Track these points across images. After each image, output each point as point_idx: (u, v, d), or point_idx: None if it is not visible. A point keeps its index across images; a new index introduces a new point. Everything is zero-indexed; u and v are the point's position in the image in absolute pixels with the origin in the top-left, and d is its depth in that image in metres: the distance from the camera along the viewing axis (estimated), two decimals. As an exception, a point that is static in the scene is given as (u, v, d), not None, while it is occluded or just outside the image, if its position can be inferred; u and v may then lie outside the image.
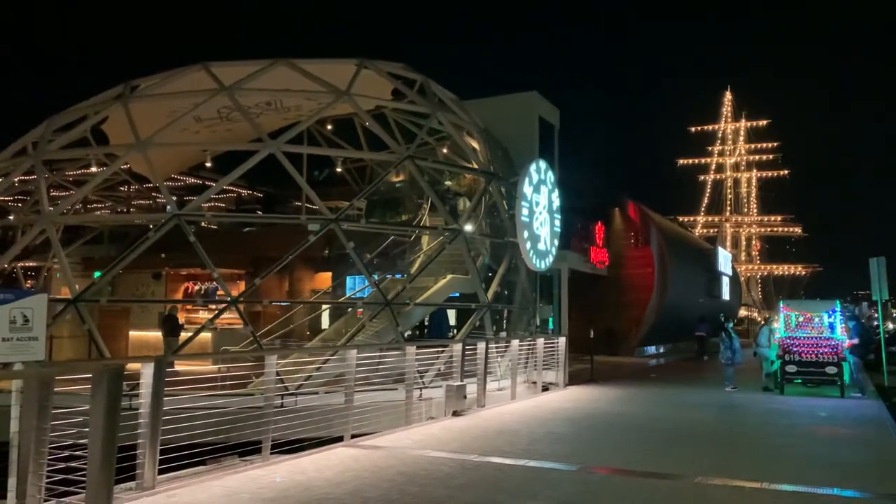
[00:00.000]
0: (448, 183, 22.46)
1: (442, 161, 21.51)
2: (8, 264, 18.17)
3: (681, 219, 79.03)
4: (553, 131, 23.83)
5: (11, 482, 5.60)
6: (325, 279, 25.32)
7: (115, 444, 5.77)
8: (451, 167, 21.27)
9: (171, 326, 19.94)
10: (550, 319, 24.76)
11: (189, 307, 24.78)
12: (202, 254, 14.36)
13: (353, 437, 9.97)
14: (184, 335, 18.85)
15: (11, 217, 21.11)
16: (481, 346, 13.85)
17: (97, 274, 21.28)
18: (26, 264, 24.95)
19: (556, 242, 20.54)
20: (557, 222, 20.67)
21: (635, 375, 23.15)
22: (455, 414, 12.52)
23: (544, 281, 22.95)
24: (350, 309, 20.40)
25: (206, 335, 19.48)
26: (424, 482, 7.48)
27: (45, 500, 5.95)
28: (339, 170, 26.09)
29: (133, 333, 24.29)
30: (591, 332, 22.96)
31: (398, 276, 20.46)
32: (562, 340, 18.35)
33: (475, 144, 20.26)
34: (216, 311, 16.00)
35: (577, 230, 28.78)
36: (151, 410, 6.93)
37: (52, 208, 16.17)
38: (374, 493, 6.97)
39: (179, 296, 26.38)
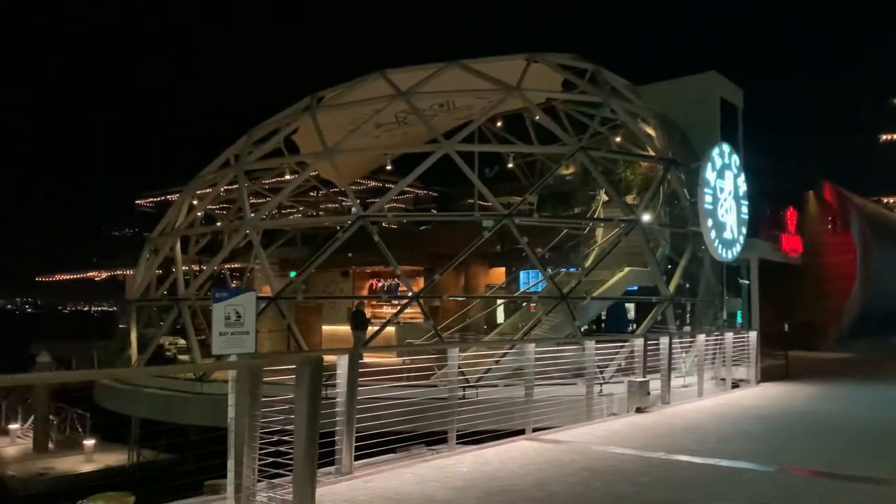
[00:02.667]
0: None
1: (616, 150, 21.00)
2: (217, 266, 20.18)
3: (886, 200, 71.23)
4: (736, 112, 22.43)
5: (230, 463, 6.19)
6: (499, 274, 25.63)
7: (317, 430, 6.20)
8: (625, 156, 20.72)
9: (359, 321, 21.04)
10: (739, 312, 23.32)
11: (374, 302, 26.11)
12: (386, 252, 15.09)
13: (535, 430, 10.01)
14: (370, 329, 19.89)
15: (219, 224, 23.35)
16: (664, 340, 13.36)
17: (293, 273, 22.99)
18: (232, 266, 27.53)
19: (744, 230, 19.31)
20: (745, 209, 19.43)
21: (836, 372, 21.24)
22: (638, 410, 12.19)
23: (731, 272, 21.66)
24: (524, 303, 20.50)
25: (390, 329, 20.42)
26: (609, 478, 7.37)
27: (258, 481, 6.52)
28: (510, 165, 26.28)
29: (325, 328, 25.93)
30: (786, 326, 21.38)
31: (573, 270, 20.27)
32: (752, 335, 17.25)
33: (651, 131, 19.58)
34: (399, 306, 16.74)
35: (767, 216, 26.82)
36: (347, 399, 7.38)
37: (252, 214, 17.72)
38: (558, 487, 6.97)
39: (365, 292, 27.82)
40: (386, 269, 26.66)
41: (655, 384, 12.94)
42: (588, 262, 18.69)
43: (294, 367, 6.41)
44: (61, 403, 22.59)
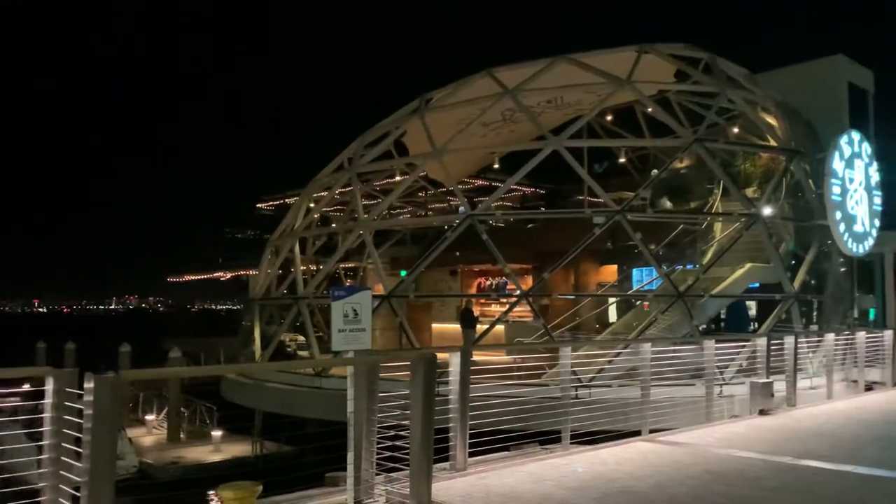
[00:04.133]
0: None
1: (733, 141, 20.12)
2: (332, 266, 20.87)
3: None
4: (866, 97, 21.01)
5: (350, 456, 6.38)
6: (610, 272, 25.09)
7: (433, 426, 6.30)
8: (744, 147, 19.80)
9: (468, 319, 21.16)
10: (872, 310, 21.81)
11: (482, 301, 26.20)
12: (494, 250, 15.12)
13: (651, 432, 9.75)
14: (479, 327, 19.96)
15: (334, 225, 24.13)
16: (789, 340, 12.68)
17: (403, 272, 23.44)
18: (346, 265, 28.39)
19: (877, 223, 18.05)
20: (878, 200, 18.14)
21: None
22: (761, 413, 11.63)
23: (863, 267, 20.29)
24: (638, 302, 19.98)
25: (499, 327, 20.42)
26: (733, 482, 7.07)
27: (377, 474, 6.69)
28: (621, 160, 25.69)
29: (435, 326, 26.26)
30: (926, 325, 19.79)
31: (689, 267, 19.56)
32: (888, 334, 16.08)
33: (772, 120, 18.65)
34: (508, 305, 16.72)
35: (903, 207, 24.95)
36: (460, 397, 7.45)
37: (365, 216, 18.20)
38: (678, 490, 6.76)
39: (473, 291, 27.94)
40: (494, 268, 26.69)
41: (780, 385, 12.32)
42: (706, 259, 17.98)
43: (409, 363, 6.55)
44: (191, 396, 24.03)
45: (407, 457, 6.40)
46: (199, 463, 19.67)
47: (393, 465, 6.65)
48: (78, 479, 4.74)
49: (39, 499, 4.94)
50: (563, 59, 17.58)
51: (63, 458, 4.96)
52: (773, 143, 18.37)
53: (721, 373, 12.91)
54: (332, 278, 25.30)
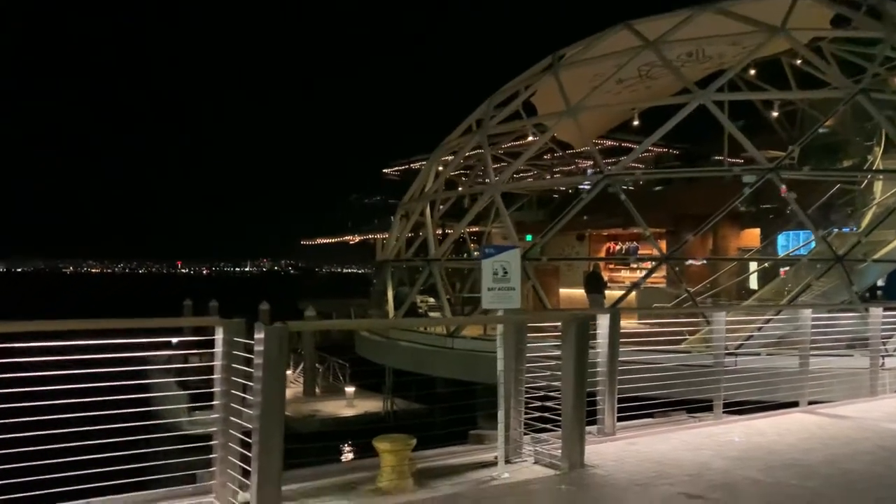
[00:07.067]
0: None
1: (899, 92, 18.27)
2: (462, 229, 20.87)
3: None
4: None
5: (500, 415, 6.31)
6: (751, 236, 23.68)
7: (585, 387, 6.12)
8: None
9: (595, 283, 20.51)
10: None
11: (611, 265, 25.49)
12: (634, 213, 14.56)
13: (809, 403, 9.12)
14: (611, 294, 19.39)
15: (460, 189, 24.10)
16: (968, 310, 11.44)
17: (528, 237, 23.13)
18: (471, 229, 28.39)
19: None
20: None
21: None
22: (934, 388, 10.62)
23: None
24: (788, 268, 18.71)
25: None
26: (915, 461, 6.46)
27: (525, 434, 6.59)
28: (773, 114, 23.93)
29: (562, 290, 25.87)
30: None
31: (845, 231, 18.09)
32: None
33: (947, 68, 16.77)
34: (639, 269, 16.11)
35: None
36: (609, 359, 7.19)
37: (496, 178, 18.01)
38: (852, 465, 6.24)
39: (602, 255, 27.22)
40: (624, 232, 25.82)
41: (956, 360, 11.20)
42: (866, 221, 16.54)
43: (559, 324, 6.37)
44: (324, 353, 25.08)
45: (555, 418, 6.25)
46: (335, 416, 20.52)
47: (543, 425, 6.52)
48: (248, 425, 4.91)
49: (211, 443, 5.15)
50: (707, 9, 16.50)
51: (232, 404, 5.14)
52: (947, 93, 16.56)
53: (883, 344, 11.87)
54: (457, 242, 25.36)
